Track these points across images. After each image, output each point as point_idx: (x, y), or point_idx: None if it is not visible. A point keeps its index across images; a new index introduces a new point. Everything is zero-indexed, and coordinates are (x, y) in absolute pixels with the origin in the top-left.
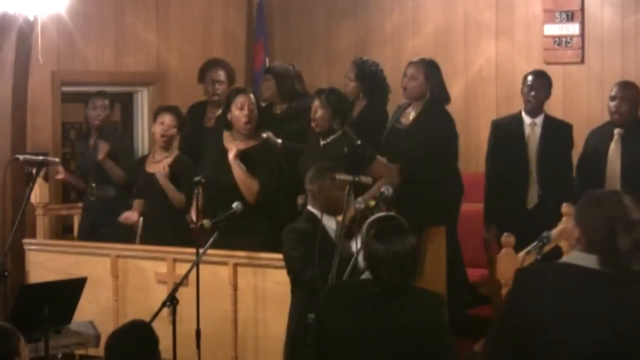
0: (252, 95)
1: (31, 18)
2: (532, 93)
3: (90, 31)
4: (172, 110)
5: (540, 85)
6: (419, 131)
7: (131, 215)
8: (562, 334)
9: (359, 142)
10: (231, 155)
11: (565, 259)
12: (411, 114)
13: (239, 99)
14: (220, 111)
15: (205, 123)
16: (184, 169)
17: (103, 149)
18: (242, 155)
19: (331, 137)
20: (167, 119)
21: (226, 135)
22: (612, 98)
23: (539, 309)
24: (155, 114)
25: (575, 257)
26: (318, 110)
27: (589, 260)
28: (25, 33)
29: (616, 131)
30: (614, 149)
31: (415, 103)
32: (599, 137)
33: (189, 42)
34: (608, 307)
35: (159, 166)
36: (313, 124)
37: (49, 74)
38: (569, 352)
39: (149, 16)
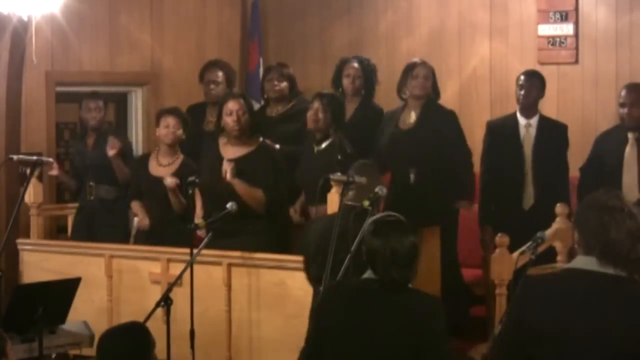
0: (242, 100)
1: (25, 18)
2: (523, 92)
3: (84, 31)
4: (174, 112)
5: (531, 85)
6: (424, 134)
7: (144, 220)
8: (568, 344)
9: (350, 151)
10: (228, 176)
11: (570, 264)
12: (411, 116)
13: (228, 105)
14: None
15: (204, 126)
16: (189, 175)
17: (114, 145)
18: (240, 162)
19: (324, 145)
20: (171, 121)
21: (222, 141)
22: (623, 104)
23: (545, 320)
24: (157, 118)
25: (578, 261)
26: (319, 112)
27: (590, 263)
28: (20, 33)
29: (630, 135)
30: (630, 153)
31: (415, 103)
32: (612, 142)
33: (183, 42)
34: (612, 311)
35: (166, 171)
36: (311, 125)
37: (43, 74)
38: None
39: (143, 16)
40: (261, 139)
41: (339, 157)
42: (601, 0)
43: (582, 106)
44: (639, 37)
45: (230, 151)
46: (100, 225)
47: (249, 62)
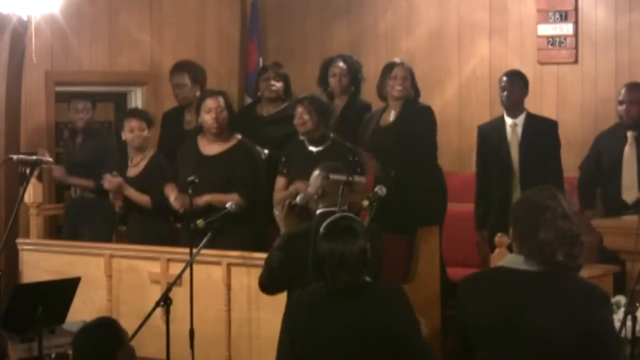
0: (221, 98)
1: (25, 18)
2: (505, 93)
3: (84, 31)
4: (136, 113)
5: (512, 84)
6: (401, 131)
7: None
8: (500, 341)
9: (349, 146)
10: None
11: (500, 262)
12: (391, 115)
13: (207, 103)
14: None
15: (185, 126)
16: (157, 170)
17: (57, 172)
18: (219, 159)
19: (323, 145)
20: (135, 124)
21: (200, 138)
22: (622, 102)
23: (477, 318)
24: (123, 121)
25: (508, 259)
26: (303, 115)
27: (517, 261)
28: (19, 33)
29: (629, 134)
30: (629, 152)
31: (395, 103)
32: (611, 140)
33: (182, 42)
34: (538, 308)
35: (134, 171)
36: (301, 130)
37: (42, 74)
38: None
39: (143, 16)
40: (239, 136)
41: (350, 158)
42: (601, 0)
43: (582, 106)
44: (638, 37)
45: (208, 148)
46: (84, 224)
47: (249, 61)
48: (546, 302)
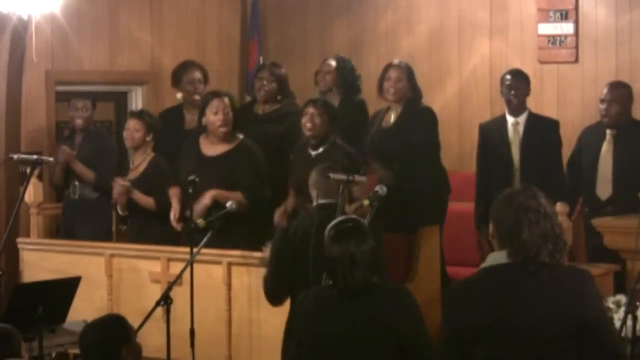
0: (226, 99)
1: (25, 17)
2: (512, 92)
3: (84, 30)
4: (137, 114)
5: (518, 83)
6: (402, 131)
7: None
8: (498, 338)
9: (350, 151)
10: (204, 202)
11: (483, 263)
12: (392, 116)
13: (214, 103)
14: None
15: (185, 126)
16: (157, 173)
17: (62, 154)
18: (221, 160)
19: (322, 148)
20: (131, 123)
21: (202, 139)
22: (602, 101)
23: (471, 321)
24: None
25: (490, 259)
26: (315, 117)
27: (502, 257)
28: (19, 32)
29: (608, 132)
30: (606, 149)
31: (395, 105)
32: (592, 136)
33: (183, 41)
34: (529, 299)
35: (134, 174)
36: (309, 133)
37: (43, 73)
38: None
39: (143, 15)
40: (241, 136)
41: (344, 159)
42: None
43: (582, 105)
44: (638, 36)
45: (210, 149)
46: (82, 224)
47: (249, 60)
48: (536, 292)
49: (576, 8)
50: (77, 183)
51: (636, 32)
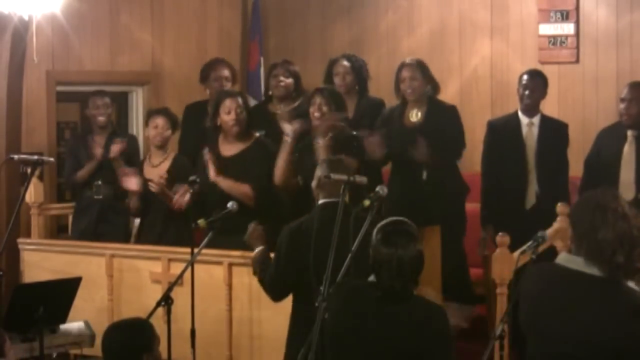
0: (239, 98)
1: (26, 17)
2: (527, 92)
3: (85, 31)
4: (163, 112)
5: (535, 84)
6: (431, 131)
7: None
8: (543, 334)
9: (355, 133)
10: (211, 174)
11: (557, 259)
12: (416, 114)
13: (226, 103)
14: None
15: (207, 123)
16: (182, 172)
17: (116, 147)
18: (237, 159)
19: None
20: (160, 121)
21: (221, 139)
22: (622, 100)
23: (529, 309)
24: (146, 118)
25: (562, 257)
26: (322, 106)
27: (574, 262)
28: (20, 33)
29: (629, 133)
30: (628, 151)
31: (415, 103)
32: (612, 138)
33: (184, 42)
34: (587, 310)
35: (156, 172)
36: (316, 120)
37: (43, 73)
38: (548, 353)
39: (144, 16)
40: (257, 134)
41: (354, 144)
42: None
43: (583, 105)
44: (639, 36)
45: (226, 148)
46: (105, 224)
47: (250, 61)
48: (596, 308)
49: (577, 8)
50: (99, 183)
51: (637, 33)
